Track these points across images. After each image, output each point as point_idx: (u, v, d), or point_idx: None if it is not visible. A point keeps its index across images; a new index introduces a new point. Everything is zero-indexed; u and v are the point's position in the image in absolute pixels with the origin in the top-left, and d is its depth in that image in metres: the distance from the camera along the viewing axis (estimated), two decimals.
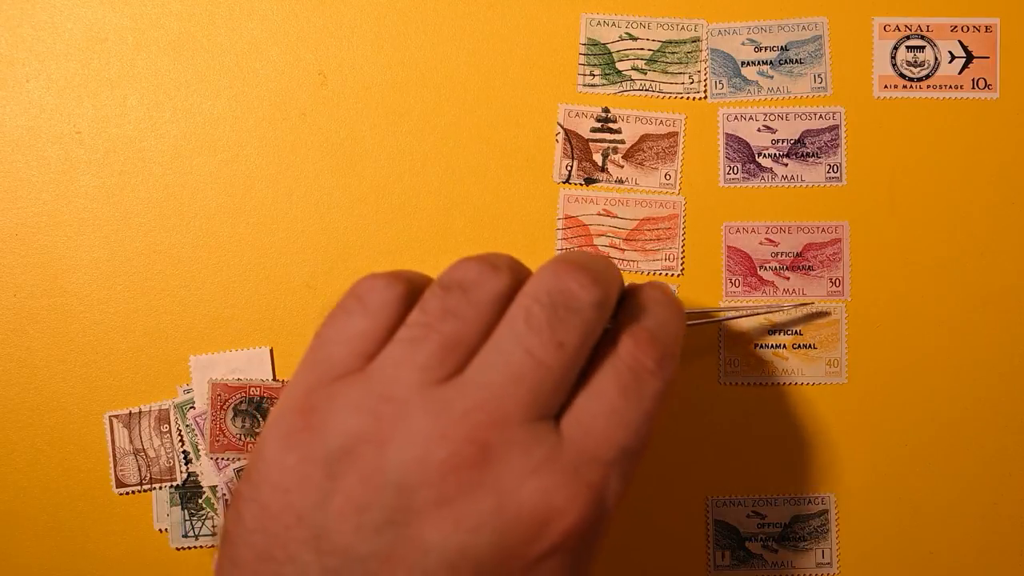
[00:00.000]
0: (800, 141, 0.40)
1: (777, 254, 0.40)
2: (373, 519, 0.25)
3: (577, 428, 0.27)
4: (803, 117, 0.40)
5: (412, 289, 0.29)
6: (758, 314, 0.39)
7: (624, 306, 0.30)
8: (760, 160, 0.40)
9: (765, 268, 0.40)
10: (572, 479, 0.26)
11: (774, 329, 0.40)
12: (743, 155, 0.40)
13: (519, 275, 0.29)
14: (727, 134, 0.40)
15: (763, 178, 0.40)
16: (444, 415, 0.26)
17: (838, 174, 0.40)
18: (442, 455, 0.25)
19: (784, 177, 0.40)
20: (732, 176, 0.40)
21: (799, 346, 0.40)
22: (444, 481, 0.25)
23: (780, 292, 0.40)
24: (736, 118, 0.40)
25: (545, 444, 0.26)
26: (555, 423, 0.27)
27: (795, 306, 0.39)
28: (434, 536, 0.25)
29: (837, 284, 0.40)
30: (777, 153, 0.40)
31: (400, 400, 0.26)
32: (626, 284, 0.31)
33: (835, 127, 0.40)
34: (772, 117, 0.40)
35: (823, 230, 0.40)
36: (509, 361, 0.27)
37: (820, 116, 0.40)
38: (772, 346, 0.40)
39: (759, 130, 0.40)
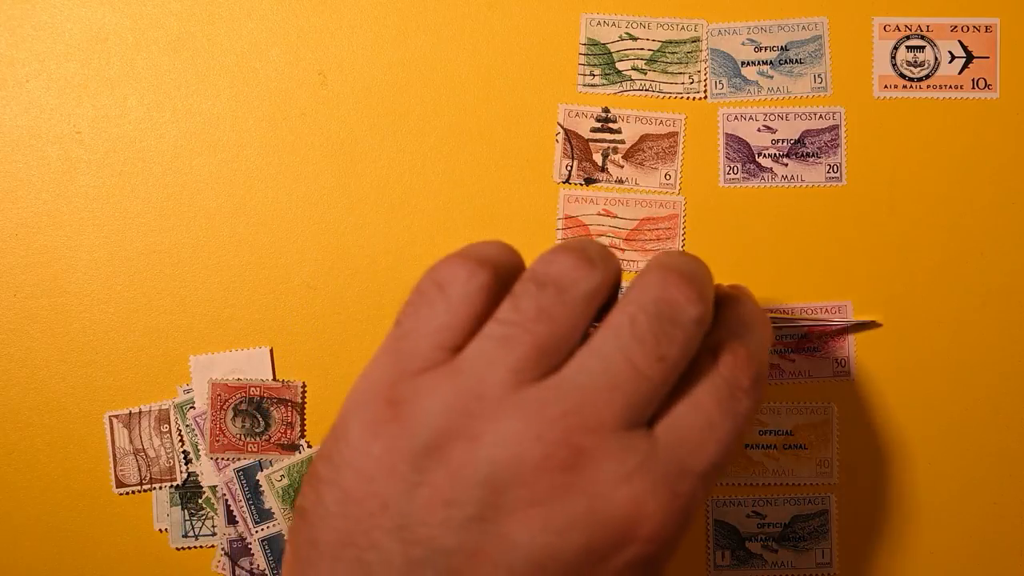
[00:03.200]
0: (800, 141, 0.40)
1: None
2: (461, 514, 0.25)
3: (672, 436, 0.27)
4: (803, 117, 0.40)
5: (497, 276, 0.28)
6: (825, 326, 0.39)
7: (723, 317, 0.30)
8: (760, 160, 0.40)
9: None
10: (664, 488, 0.26)
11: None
12: (743, 155, 0.40)
13: (611, 268, 0.29)
14: (727, 134, 0.40)
15: (763, 178, 0.40)
16: (539, 416, 0.26)
17: (838, 174, 0.40)
18: (536, 456, 0.26)
19: (784, 177, 0.40)
20: (732, 176, 0.40)
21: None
22: (537, 481, 0.25)
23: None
24: (736, 118, 0.40)
25: (639, 452, 0.26)
26: (648, 430, 0.27)
27: (851, 324, 0.39)
28: (523, 535, 0.25)
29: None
30: (777, 153, 0.40)
31: (492, 398, 0.26)
32: (716, 289, 0.31)
33: (835, 127, 0.40)
34: (772, 117, 0.40)
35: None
36: (609, 369, 0.27)
37: (820, 116, 0.40)
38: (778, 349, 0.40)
39: (759, 130, 0.40)
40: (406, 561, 0.25)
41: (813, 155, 0.40)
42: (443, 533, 0.25)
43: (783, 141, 0.40)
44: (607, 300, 0.29)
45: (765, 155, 0.40)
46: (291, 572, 0.28)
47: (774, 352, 0.40)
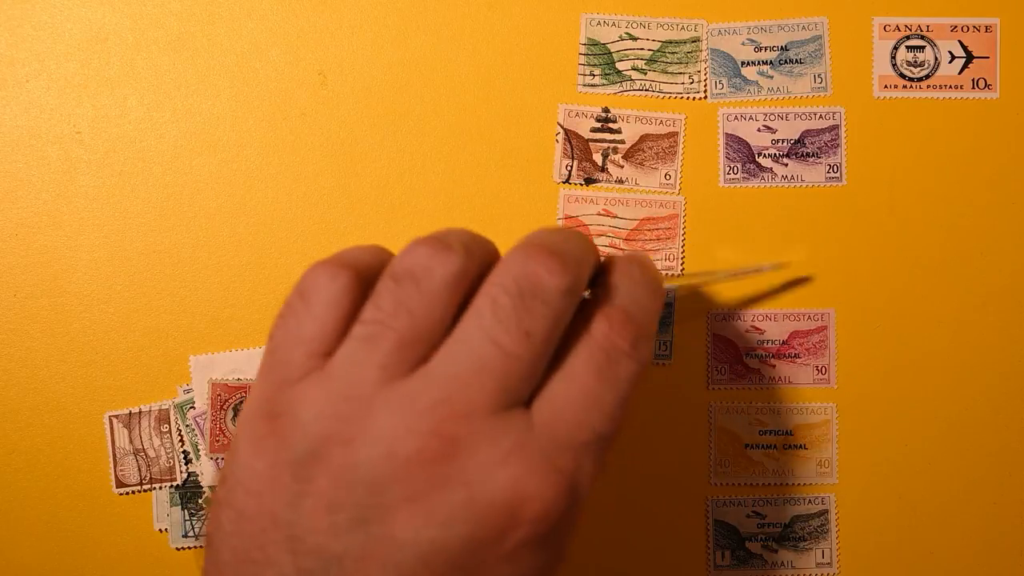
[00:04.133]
0: (800, 141, 0.40)
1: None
2: (345, 518, 0.25)
3: (549, 413, 0.27)
4: (803, 117, 0.40)
5: (359, 276, 0.28)
6: (737, 277, 0.39)
7: (600, 282, 0.29)
8: (760, 160, 0.40)
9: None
10: (543, 466, 0.26)
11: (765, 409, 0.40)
12: (743, 155, 0.40)
13: (473, 252, 0.28)
14: (727, 134, 0.40)
15: (763, 178, 0.40)
16: (408, 410, 0.26)
17: (838, 174, 0.40)
18: (409, 450, 0.25)
19: (784, 177, 0.40)
20: (732, 176, 0.40)
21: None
22: (412, 476, 0.25)
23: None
24: (736, 118, 0.40)
25: (514, 432, 0.26)
26: (525, 409, 0.27)
27: (773, 266, 0.39)
28: (406, 532, 0.25)
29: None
30: (777, 153, 0.40)
31: (362, 399, 0.26)
32: (603, 256, 0.30)
33: (835, 127, 0.40)
34: (772, 117, 0.40)
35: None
36: (474, 353, 0.26)
37: (820, 116, 0.40)
38: (760, 445, 0.40)
39: (759, 130, 0.40)
40: (298, 572, 0.25)
41: (813, 155, 0.40)
42: (330, 540, 0.25)
43: (783, 141, 0.40)
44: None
45: (765, 155, 0.40)
46: None
47: (754, 357, 0.40)
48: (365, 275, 0.28)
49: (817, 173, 0.40)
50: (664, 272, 0.39)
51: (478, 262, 0.28)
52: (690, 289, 0.39)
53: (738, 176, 0.40)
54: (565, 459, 0.26)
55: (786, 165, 0.40)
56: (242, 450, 0.27)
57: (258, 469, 0.26)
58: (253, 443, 0.27)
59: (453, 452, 0.25)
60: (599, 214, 0.40)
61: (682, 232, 0.40)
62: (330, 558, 0.25)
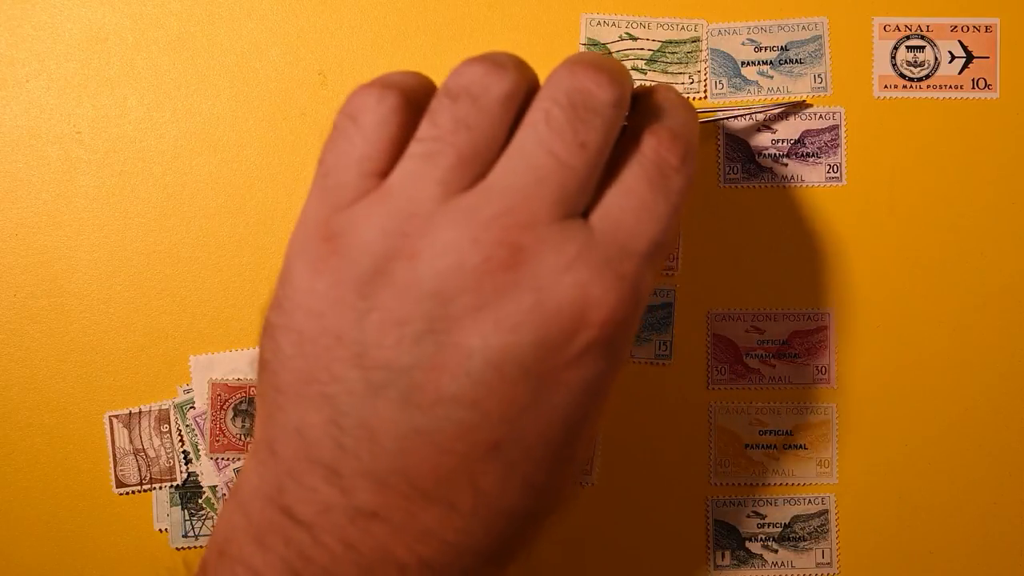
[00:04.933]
0: (800, 141, 0.40)
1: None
2: (413, 331, 0.26)
3: (607, 223, 0.27)
4: (803, 117, 0.40)
5: (407, 96, 0.29)
6: (763, 112, 0.39)
7: (640, 106, 0.30)
8: (760, 160, 0.40)
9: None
10: (607, 272, 0.27)
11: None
12: (743, 155, 0.40)
13: (525, 73, 0.29)
14: (727, 134, 0.40)
15: (763, 178, 0.40)
16: (472, 222, 0.26)
17: (838, 174, 0.40)
18: (476, 260, 0.26)
19: (784, 177, 0.40)
20: (732, 176, 0.40)
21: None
22: (480, 285, 0.26)
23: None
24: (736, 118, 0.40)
25: (577, 240, 0.27)
26: (584, 220, 0.27)
27: (791, 103, 0.39)
28: (475, 340, 0.26)
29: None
30: (777, 153, 0.40)
31: (424, 214, 0.27)
32: (636, 86, 0.31)
33: (835, 127, 0.40)
34: (772, 117, 0.40)
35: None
36: (532, 164, 0.27)
37: (820, 116, 0.40)
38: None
39: (759, 130, 0.40)
40: (368, 386, 0.26)
41: (813, 155, 0.40)
42: (399, 353, 0.26)
43: (783, 141, 0.40)
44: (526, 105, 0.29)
45: (765, 155, 0.40)
46: (261, 425, 0.28)
47: (754, 357, 0.40)
48: (413, 98, 0.29)
49: (817, 173, 0.40)
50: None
51: (528, 82, 0.29)
52: (714, 120, 0.40)
53: (738, 176, 0.40)
54: (627, 266, 0.27)
55: (786, 165, 0.40)
56: (299, 273, 0.28)
57: (319, 290, 0.27)
58: (312, 265, 0.27)
59: (519, 260, 0.26)
60: None
61: (682, 232, 0.40)
62: (400, 370, 0.26)
